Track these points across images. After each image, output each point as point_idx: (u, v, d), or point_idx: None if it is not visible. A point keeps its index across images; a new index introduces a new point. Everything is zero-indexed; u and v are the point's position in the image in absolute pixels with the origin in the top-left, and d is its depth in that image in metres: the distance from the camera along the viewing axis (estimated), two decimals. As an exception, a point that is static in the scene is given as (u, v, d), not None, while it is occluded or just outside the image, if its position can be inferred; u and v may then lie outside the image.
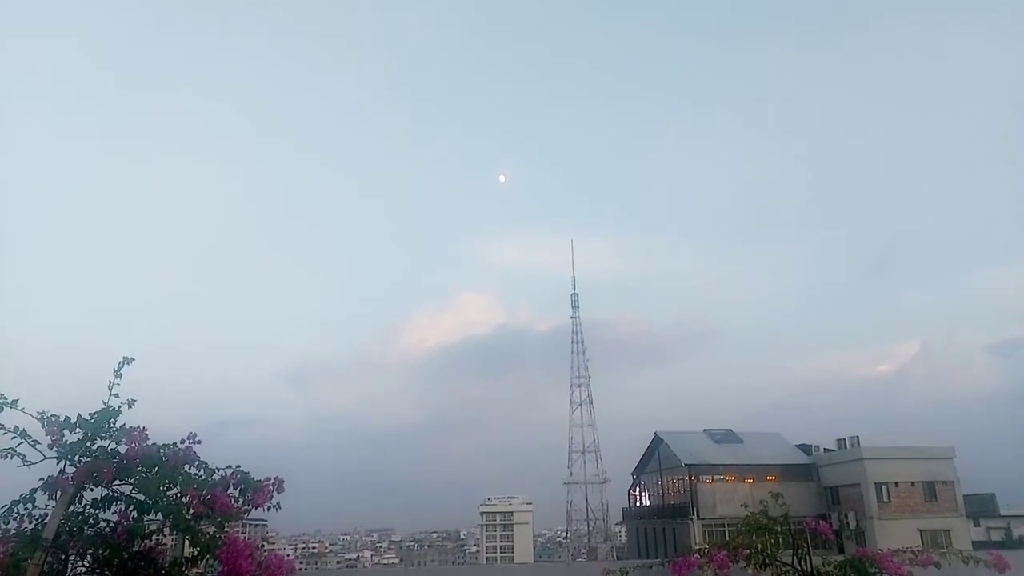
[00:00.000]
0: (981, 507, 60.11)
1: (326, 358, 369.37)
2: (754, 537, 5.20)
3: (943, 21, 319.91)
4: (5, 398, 4.14)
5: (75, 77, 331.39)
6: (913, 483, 48.67)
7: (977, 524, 57.72)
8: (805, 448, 56.73)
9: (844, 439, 53.40)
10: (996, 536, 59.54)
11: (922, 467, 49.13)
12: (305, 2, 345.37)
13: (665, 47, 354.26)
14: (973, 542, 47.56)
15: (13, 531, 4.16)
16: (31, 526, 4.21)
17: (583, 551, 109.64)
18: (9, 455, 4.17)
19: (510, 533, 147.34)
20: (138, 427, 4.46)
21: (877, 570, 4.91)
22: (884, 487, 48.30)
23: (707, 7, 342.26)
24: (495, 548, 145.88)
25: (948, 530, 46.45)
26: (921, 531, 44.86)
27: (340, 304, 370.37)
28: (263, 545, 4.85)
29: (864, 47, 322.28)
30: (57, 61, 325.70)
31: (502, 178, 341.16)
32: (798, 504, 44.97)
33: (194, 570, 4.61)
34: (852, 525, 47.88)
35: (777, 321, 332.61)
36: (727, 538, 5.49)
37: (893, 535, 43.73)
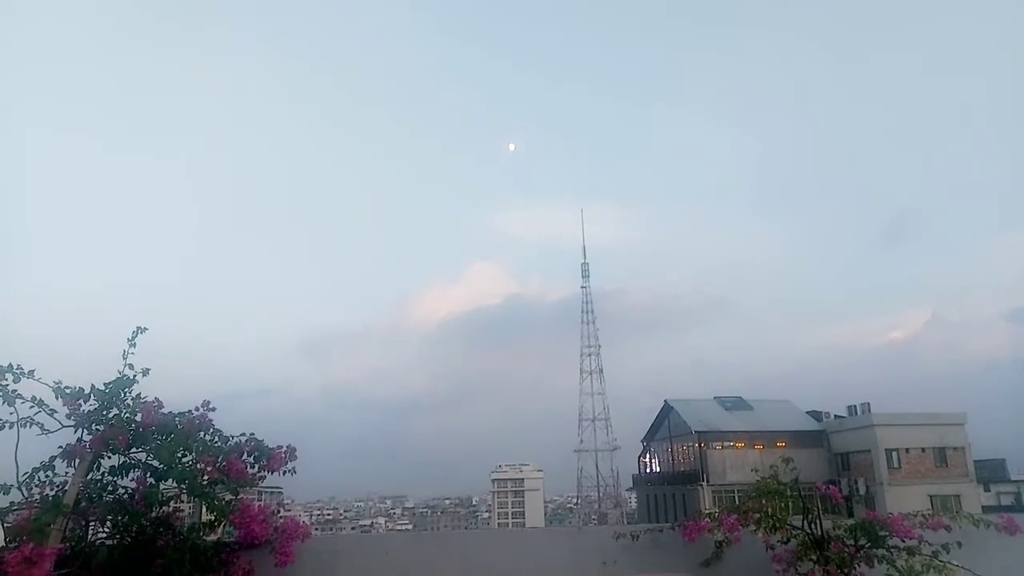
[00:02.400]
0: (991, 473, 60.22)
1: (339, 329, 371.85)
2: (764, 501, 5.23)
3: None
4: (22, 368, 4.19)
5: (100, 41, 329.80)
6: (924, 449, 48.79)
7: (987, 489, 57.88)
8: (816, 415, 56.88)
9: (855, 406, 53.47)
10: (1006, 501, 59.72)
11: (933, 433, 49.17)
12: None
13: (675, 13, 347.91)
14: (983, 507, 47.74)
15: (36, 497, 4.24)
16: (52, 493, 4.28)
17: (593, 517, 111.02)
18: (28, 424, 4.23)
19: (521, 499, 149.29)
20: (153, 399, 4.51)
21: (887, 533, 4.92)
22: (895, 453, 48.46)
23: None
24: (507, 514, 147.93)
25: (958, 495, 46.64)
26: (931, 496, 45.08)
27: (352, 276, 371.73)
28: (279, 511, 4.92)
29: (878, 10, 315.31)
30: (88, 27, 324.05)
31: (511, 146, 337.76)
32: (808, 470, 45.27)
33: (211, 535, 4.70)
34: (862, 491, 48.17)
35: (789, 289, 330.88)
36: (737, 503, 5.52)
37: (903, 500, 43.97)
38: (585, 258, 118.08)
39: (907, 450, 48.64)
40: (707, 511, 5.53)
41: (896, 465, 48.29)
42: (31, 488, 4.27)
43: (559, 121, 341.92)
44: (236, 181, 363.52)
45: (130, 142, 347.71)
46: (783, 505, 5.12)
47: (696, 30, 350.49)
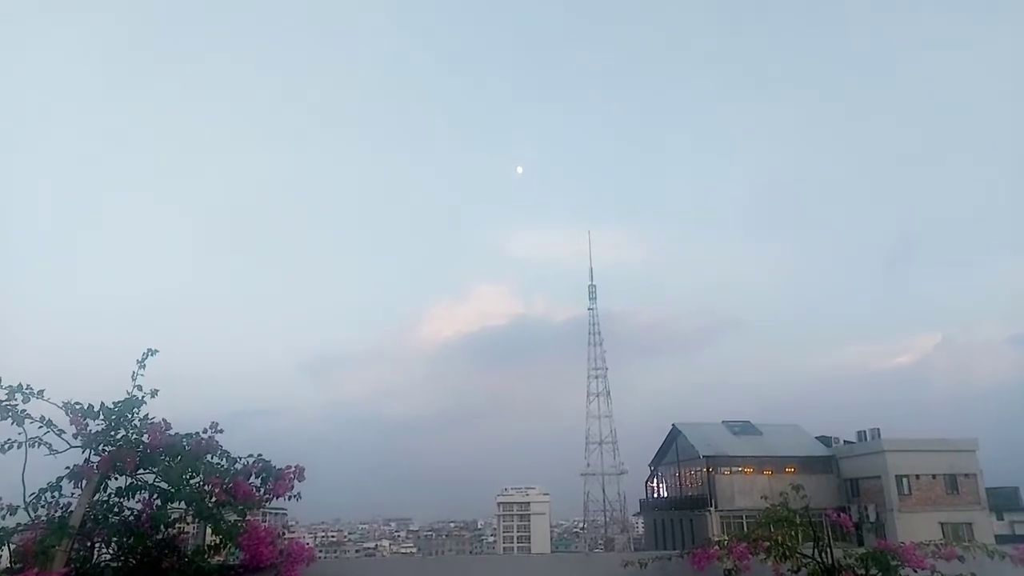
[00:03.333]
0: (1004, 500, 59.30)
1: (344, 349, 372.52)
2: (773, 529, 5.16)
3: (968, 6, 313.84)
4: (31, 388, 4.22)
5: (93, 62, 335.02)
6: (935, 476, 48.17)
7: (1000, 518, 57.01)
8: (825, 440, 56.32)
9: (864, 431, 52.94)
10: (1020, 530, 58.70)
11: (944, 459, 48.58)
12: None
13: (683, 34, 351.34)
14: (996, 536, 47.02)
15: (42, 518, 4.24)
16: (58, 514, 4.28)
17: (600, 542, 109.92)
18: (36, 444, 4.24)
19: (527, 523, 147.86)
20: (160, 420, 4.51)
21: (899, 563, 4.85)
22: (905, 479, 47.86)
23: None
24: (512, 538, 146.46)
25: (970, 523, 45.92)
26: (942, 524, 44.41)
27: (358, 295, 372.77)
28: (283, 533, 4.88)
29: (885, 32, 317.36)
30: (81, 45, 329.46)
31: (519, 169, 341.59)
32: (818, 496, 44.75)
33: (216, 557, 4.67)
34: (872, 518, 47.51)
35: (796, 312, 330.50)
36: (745, 530, 5.45)
37: (914, 528, 43.35)
38: (592, 280, 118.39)
39: (917, 476, 48.03)
40: (716, 538, 5.46)
41: (907, 492, 47.68)
42: (37, 509, 4.27)
43: (565, 143, 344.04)
44: (242, 199, 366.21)
45: (132, 163, 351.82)
46: (793, 533, 5.06)
47: (701, 54, 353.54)
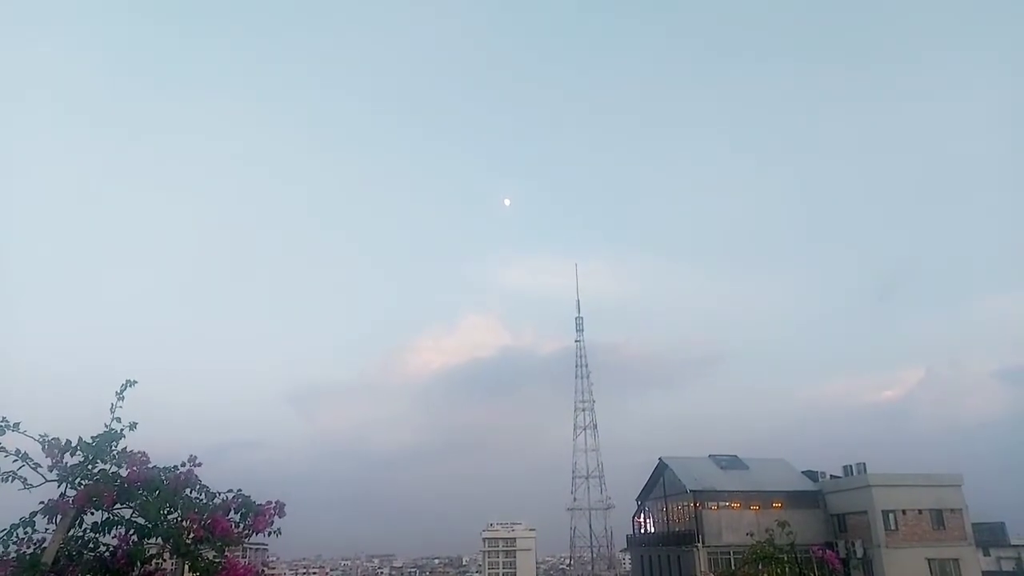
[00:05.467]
0: (991, 536, 59.22)
1: (329, 380, 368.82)
2: (760, 567, 5.12)
3: (952, 46, 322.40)
4: (7, 421, 4.13)
5: (78, 92, 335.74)
6: (921, 511, 48.05)
7: (987, 554, 56.84)
8: (811, 475, 56.18)
9: (851, 465, 52.88)
10: (1007, 566, 58.59)
11: (930, 494, 48.54)
12: (322, 37, 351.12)
13: (669, 72, 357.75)
14: (983, 572, 46.89)
15: (13, 555, 4.13)
16: (30, 550, 4.17)
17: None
18: (10, 478, 4.15)
19: (512, 560, 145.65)
20: (139, 452, 4.44)
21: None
22: (892, 515, 47.70)
23: (709, 31, 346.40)
24: (497, 575, 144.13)
25: (957, 559, 45.75)
26: (929, 560, 44.22)
27: (344, 326, 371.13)
28: (263, 570, 4.80)
29: (872, 71, 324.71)
30: (61, 76, 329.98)
31: (507, 201, 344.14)
32: (804, 532, 44.41)
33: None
34: (859, 554, 47.22)
35: (783, 346, 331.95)
36: (732, 566, 5.41)
37: (901, 564, 43.14)
38: (579, 312, 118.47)
39: (904, 512, 47.87)
40: (703, 575, 5.41)
41: (893, 527, 47.47)
42: (8, 546, 4.16)
43: (554, 177, 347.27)
44: (230, 231, 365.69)
45: (114, 194, 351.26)
46: (779, 571, 5.02)
47: (688, 90, 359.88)
